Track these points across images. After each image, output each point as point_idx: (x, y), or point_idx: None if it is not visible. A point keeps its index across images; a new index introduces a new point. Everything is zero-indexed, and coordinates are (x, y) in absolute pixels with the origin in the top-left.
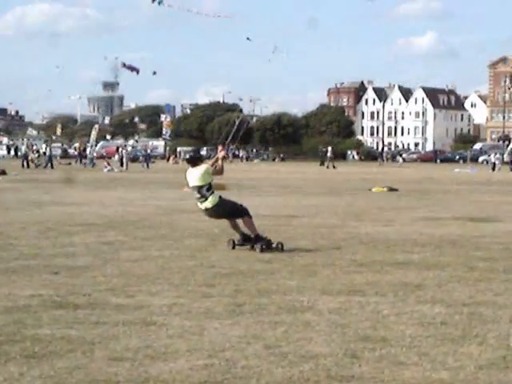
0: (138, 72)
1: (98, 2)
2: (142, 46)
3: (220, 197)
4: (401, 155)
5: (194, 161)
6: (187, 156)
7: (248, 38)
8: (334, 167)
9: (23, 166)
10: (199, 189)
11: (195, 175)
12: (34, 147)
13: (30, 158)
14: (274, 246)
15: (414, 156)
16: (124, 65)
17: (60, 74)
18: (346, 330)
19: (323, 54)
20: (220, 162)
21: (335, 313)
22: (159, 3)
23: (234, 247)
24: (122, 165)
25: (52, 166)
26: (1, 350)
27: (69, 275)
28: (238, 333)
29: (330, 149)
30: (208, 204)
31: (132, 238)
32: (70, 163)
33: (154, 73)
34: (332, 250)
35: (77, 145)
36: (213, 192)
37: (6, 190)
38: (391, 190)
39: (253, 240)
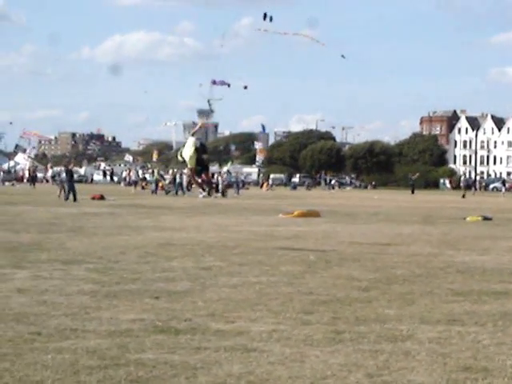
0: (229, 85)
1: (195, 30)
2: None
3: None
4: (504, 184)
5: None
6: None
7: (343, 56)
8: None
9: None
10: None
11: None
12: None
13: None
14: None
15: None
16: (214, 82)
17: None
18: (447, 360)
19: (416, 82)
20: None
21: (435, 342)
22: (270, 20)
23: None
24: (217, 191)
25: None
26: (106, 374)
27: (169, 300)
28: (339, 361)
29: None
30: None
31: (229, 263)
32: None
33: (245, 87)
34: (429, 279)
35: (170, 172)
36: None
37: (105, 214)
38: (486, 219)
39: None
